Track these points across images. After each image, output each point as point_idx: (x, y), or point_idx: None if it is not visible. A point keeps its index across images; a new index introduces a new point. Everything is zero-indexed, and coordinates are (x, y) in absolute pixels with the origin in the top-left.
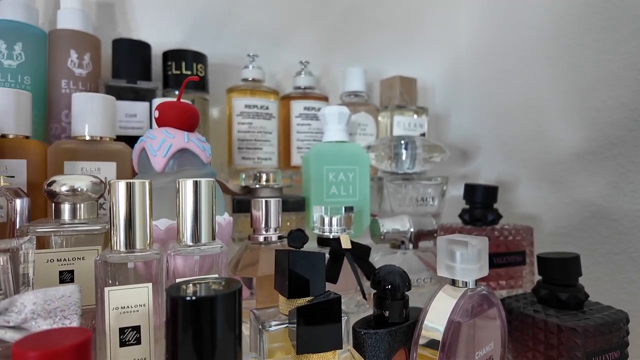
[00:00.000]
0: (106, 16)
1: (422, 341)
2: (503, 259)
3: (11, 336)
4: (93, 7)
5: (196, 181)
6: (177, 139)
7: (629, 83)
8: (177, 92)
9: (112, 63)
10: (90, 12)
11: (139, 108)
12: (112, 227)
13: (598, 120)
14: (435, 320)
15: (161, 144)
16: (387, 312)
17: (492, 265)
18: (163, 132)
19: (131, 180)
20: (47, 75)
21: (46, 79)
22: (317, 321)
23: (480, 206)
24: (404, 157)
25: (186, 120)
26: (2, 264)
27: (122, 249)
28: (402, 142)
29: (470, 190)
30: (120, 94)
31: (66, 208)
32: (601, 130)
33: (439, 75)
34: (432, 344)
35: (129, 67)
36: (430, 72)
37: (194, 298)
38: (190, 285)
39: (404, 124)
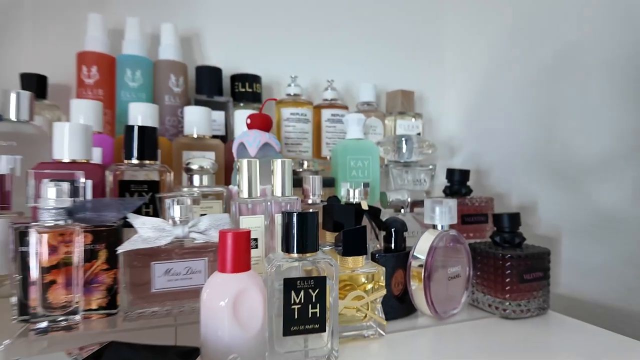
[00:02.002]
0: (189, 47)
1: (413, 262)
2: (472, 218)
3: (201, 236)
4: (182, 42)
5: (283, 160)
6: (262, 136)
7: None
8: (242, 104)
9: (195, 82)
10: (179, 46)
11: (217, 115)
12: (240, 185)
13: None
14: (422, 248)
15: (254, 140)
16: (392, 245)
17: (464, 222)
18: (254, 133)
19: (249, 159)
20: (153, 92)
21: (152, 94)
22: (352, 239)
23: (457, 183)
24: (404, 150)
25: (266, 125)
26: (189, 203)
27: (247, 197)
28: (403, 139)
29: (450, 173)
30: (201, 105)
31: (196, 179)
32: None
33: (433, 87)
34: (419, 264)
35: (208, 85)
36: (426, 84)
37: (297, 212)
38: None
39: (404, 126)
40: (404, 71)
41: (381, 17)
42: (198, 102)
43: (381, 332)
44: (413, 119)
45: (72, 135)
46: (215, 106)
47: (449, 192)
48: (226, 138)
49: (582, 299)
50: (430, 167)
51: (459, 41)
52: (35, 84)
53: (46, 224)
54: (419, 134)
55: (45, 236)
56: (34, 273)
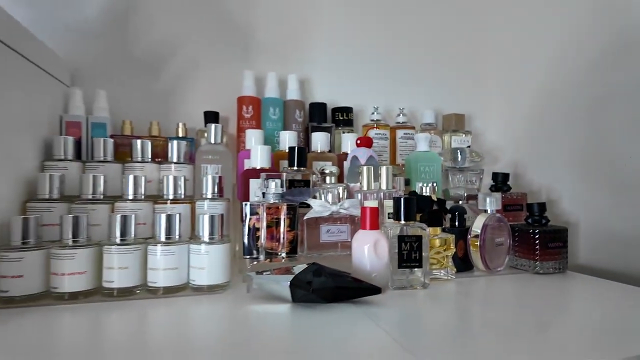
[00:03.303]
0: (304, 90)
1: (471, 234)
2: (512, 207)
3: (345, 211)
4: (300, 85)
5: (387, 166)
6: (368, 152)
7: None
8: (339, 128)
9: (309, 114)
10: (299, 89)
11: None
12: (361, 182)
13: None
14: (477, 225)
15: (363, 154)
16: (456, 223)
17: (505, 210)
18: (363, 149)
19: (367, 165)
20: (284, 121)
21: (284, 123)
22: (433, 215)
23: (500, 182)
24: (459, 159)
25: (369, 144)
26: (336, 193)
27: (366, 188)
28: (458, 150)
29: (495, 175)
30: (315, 130)
31: (328, 179)
32: None
33: (479, 109)
34: (475, 235)
35: (318, 115)
36: (474, 108)
37: (403, 197)
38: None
39: (457, 140)
40: (456, 99)
41: (436, 59)
42: (312, 128)
43: (452, 275)
44: (464, 135)
45: (261, 152)
46: (322, 130)
47: (494, 189)
48: (332, 151)
49: None
50: (479, 171)
51: (498, 75)
52: (213, 118)
53: (269, 202)
54: (469, 146)
55: (266, 208)
56: (262, 230)
